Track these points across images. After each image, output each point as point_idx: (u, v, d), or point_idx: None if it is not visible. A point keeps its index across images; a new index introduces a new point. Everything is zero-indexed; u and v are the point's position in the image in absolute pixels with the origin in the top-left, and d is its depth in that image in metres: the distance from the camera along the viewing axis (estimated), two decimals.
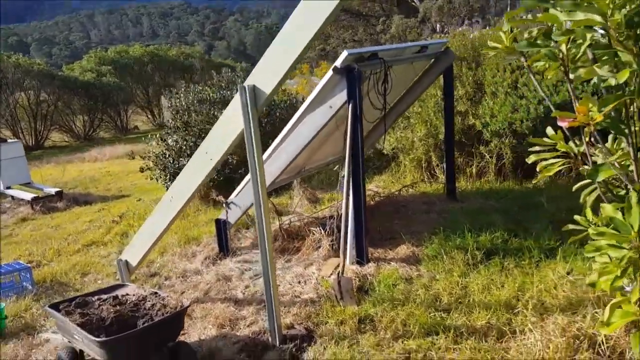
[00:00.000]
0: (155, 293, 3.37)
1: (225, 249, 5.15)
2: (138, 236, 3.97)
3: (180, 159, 7.43)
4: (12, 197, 9.30)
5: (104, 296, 3.40)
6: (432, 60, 5.66)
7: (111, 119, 24.51)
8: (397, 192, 6.48)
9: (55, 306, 3.26)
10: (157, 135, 7.82)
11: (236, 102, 2.94)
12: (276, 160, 4.66)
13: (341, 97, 4.06)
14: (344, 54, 3.89)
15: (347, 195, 4.17)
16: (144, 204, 8.35)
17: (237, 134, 3.03)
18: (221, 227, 5.12)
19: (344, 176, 6.98)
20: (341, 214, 4.74)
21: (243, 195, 4.96)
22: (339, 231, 4.65)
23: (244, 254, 5.14)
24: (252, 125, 2.86)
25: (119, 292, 3.47)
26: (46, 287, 4.84)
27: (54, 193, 9.09)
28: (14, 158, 9.41)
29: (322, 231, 4.74)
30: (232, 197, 5.17)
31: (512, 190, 6.04)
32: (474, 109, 6.68)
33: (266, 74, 2.79)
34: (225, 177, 7.02)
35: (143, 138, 10.40)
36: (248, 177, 5.24)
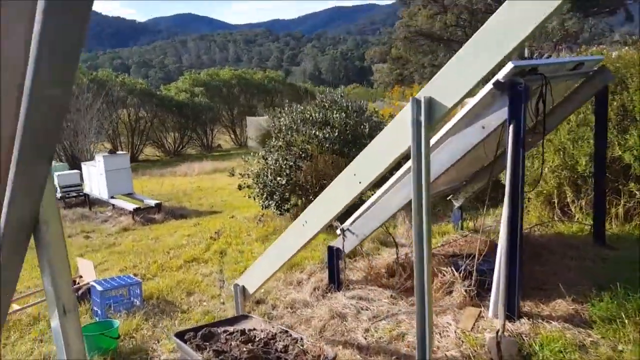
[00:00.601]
0: (286, 331, 2.90)
1: (336, 280, 4.62)
2: (260, 261, 3.55)
3: (279, 177, 7.11)
4: (113, 205, 9.51)
5: (230, 329, 2.99)
6: (583, 79, 4.86)
7: (198, 136, 25.43)
8: (527, 231, 5.63)
9: (180, 335, 2.89)
10: (259, 154, 7.58)
11: (402, 118, 2.41)
12: (403, 187, 4.09)
13: (498, 116, 3.43)
14: (509, 66, 3.27)
15: (507, 235, 3.47)
16: (237, 221, 8.12)
17: (398, 155, 2.50)
18: (334, 255, 4.60)
19: (459, 208, 6.31)
20: (483, 254, 4.06)
21: (363, 221, 4.41)
22: (482, 275, 3.96)
23: (357, 288, 4.56)
24: (423, 143, 2.31)
25: (245, 326, 3.04)
26: (153, 305, 4.55)
27: (153, 205, 9.17)
28: (120, 169, 9.68)
29: (455, 273, 4.05)
30: (347, 223, 4.65)
31: None
32: (621, 139, 5.72)
33: (448, 84, 2.24)
34: None
35: (226, 155, 10.35)
36: (369, 202, 4.70)
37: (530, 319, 3.51)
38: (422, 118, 2.29)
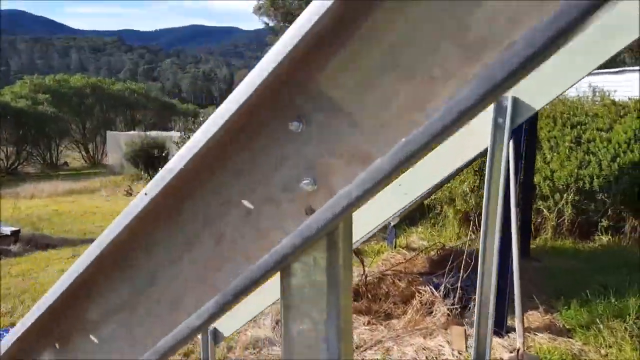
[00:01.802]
0: None
1: None
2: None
3: None
4: None
5: None
6: None
7: (39, 152, 21.91)
8: (455, 246, 5.85)
9: None
10: None
11: (478, 121, 2.19)
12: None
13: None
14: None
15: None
16: None
17: (465, 162, 2.26)
18: None
19: (394, 226, 6.32)
20: (468, 270, 4.01)
21: None
22: (467, 293, 3.90)
23: None
24: (506, 146, 2.13)
25: None
26: None
27: (9, 233, 7.39)
28: None
29: (435, 292, 3.93)
30: None
31: (578, 249, 5.66)
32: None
33: (540, 84, 2.10)
34: None
35: (79, 175, 8.99)
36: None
37: (515, 333, 3.54)
38: (506, 119, 2.10)
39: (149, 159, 14.82)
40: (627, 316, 3.43)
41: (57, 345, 0.86)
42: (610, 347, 3.28)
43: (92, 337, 0.81)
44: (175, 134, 16.02)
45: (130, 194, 7.11)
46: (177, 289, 0.72)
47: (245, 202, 0.65)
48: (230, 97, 0.59)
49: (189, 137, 6.80)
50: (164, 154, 10.55)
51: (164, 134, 17.72)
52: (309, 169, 0.60)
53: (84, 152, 24.81)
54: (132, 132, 19.99)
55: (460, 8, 0.46)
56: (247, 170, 0.64)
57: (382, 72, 0.52)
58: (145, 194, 0.65)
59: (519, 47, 0.44)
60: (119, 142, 18.11)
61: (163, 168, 0.64)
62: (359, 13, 0.50)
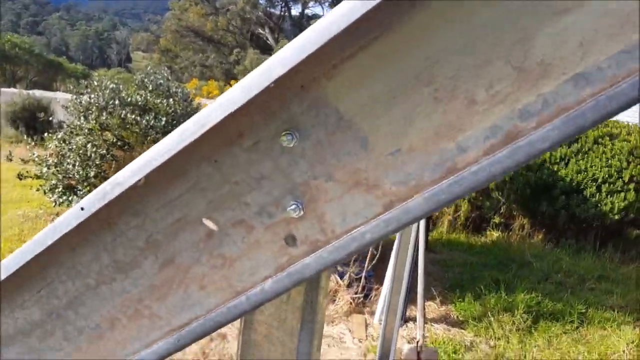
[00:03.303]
0: None
1: None
2: None
3: (88, 168, 5.74)
4: None
5: None
6: None
7: None
8: None
9: None
10: (59, 136, 5.95)
11: None
12: None
13: None
14: None
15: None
16: (12, 220, 6.21)
17: None
18: None
19: None
20: (373, 261, 4.09)
21: None
22: (370, 283, 3.98)
23: None
24: None
25: None
26: None
27: None
28: None
29: (339, 280, 3.98)
30: None
31: (471, 244, 6.10)
32: None
33: None
34: None
35: None
36: None
37: (415, 323, 3.71)
38: None
39: (32, 121, 13.33)
40: (516, 310, 3.76)
41: None
42: (499, 339, 3.57)
43: None
44: (61, 95, 14.49)
45: (11, 160, 6.27)
46: (105, 316, 0.57)
47: (207, 222, 0.52)
48: (218, 98, 0.46)
49: (80, 102, 6.09)
50: (50, 118, 9.50)
51: (49, 94, 16.02)
52: (296, 192, 0.49)
53: None
54: (11, 90, 17.82)
55: (527, 20, 0.38)
56: (213, 184, 0.51)
57: (411, 86, 0.42)
58: (82, 208, 0.49)
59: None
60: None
61: (108, 181, 0.49)
62: (396, 13, 0.40)
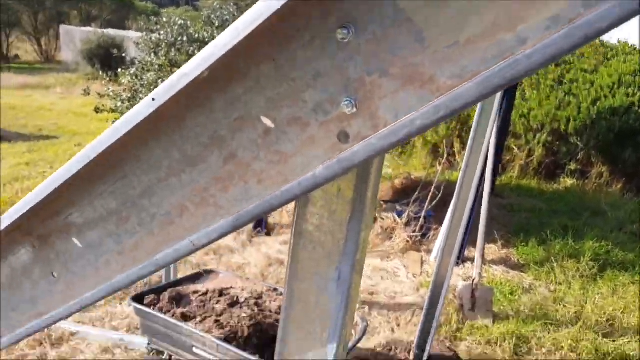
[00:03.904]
0: (275, 289, 2.43)
1: (263, 224, 4.18)
2: None
3: None
4: None
5: (199, 288, 2.37)
6: None
7: None
8: (425, 177, 5.93)
9: (138, 299, 2.18)
10: (132, 72, 6.24)
11: None
12: None
13: None
14: None
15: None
16: None
17: None
18: None
19: None
20: (434, 202, 4.07)
21: None
22: (428, 223, 3.99)
23: (287, 233, 4.21)
24: None
25: (218, 284, 2.44)
26: None
27: None
28: None
29: (397, 218, 4.01)
30: None
31: (543, 190, 5.85)
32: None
33: None
34: None
35: (33, 70, 8.42)
36: None
37: (472, 263, 3.70)
38: None
39: (107, 58, 13.97)
40: (582, 257, 3.62)
41: (35, 245, 0.78)
42: (560, 284, 3.49)
43: (75, 240, 0.73)
44: (133, 34, 14.94)
45: (89, 94, 6.72)
46: (175, 205, 0.63)
47: (265, 120, 0.55)
48: None
49: (150, 39, 6.27)
50: (123, 55, 9.93)
51: (122, 32, 16.58)
52: (350, 88, 0.50)
53: (36, 46, 23.05)
54: (87, 29, 18.59)
55: None
56: (272, 83, 0.53)
57: None
58: (153, 99, 0.53)
59: None
60: (74, 38, 16.89)
61: (175, 73, 0.52)
62: None
